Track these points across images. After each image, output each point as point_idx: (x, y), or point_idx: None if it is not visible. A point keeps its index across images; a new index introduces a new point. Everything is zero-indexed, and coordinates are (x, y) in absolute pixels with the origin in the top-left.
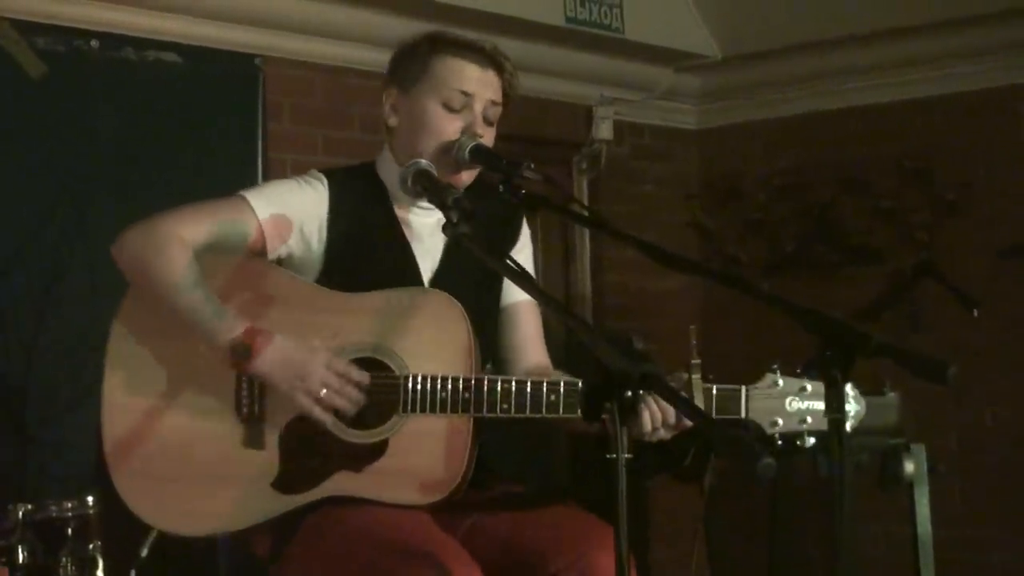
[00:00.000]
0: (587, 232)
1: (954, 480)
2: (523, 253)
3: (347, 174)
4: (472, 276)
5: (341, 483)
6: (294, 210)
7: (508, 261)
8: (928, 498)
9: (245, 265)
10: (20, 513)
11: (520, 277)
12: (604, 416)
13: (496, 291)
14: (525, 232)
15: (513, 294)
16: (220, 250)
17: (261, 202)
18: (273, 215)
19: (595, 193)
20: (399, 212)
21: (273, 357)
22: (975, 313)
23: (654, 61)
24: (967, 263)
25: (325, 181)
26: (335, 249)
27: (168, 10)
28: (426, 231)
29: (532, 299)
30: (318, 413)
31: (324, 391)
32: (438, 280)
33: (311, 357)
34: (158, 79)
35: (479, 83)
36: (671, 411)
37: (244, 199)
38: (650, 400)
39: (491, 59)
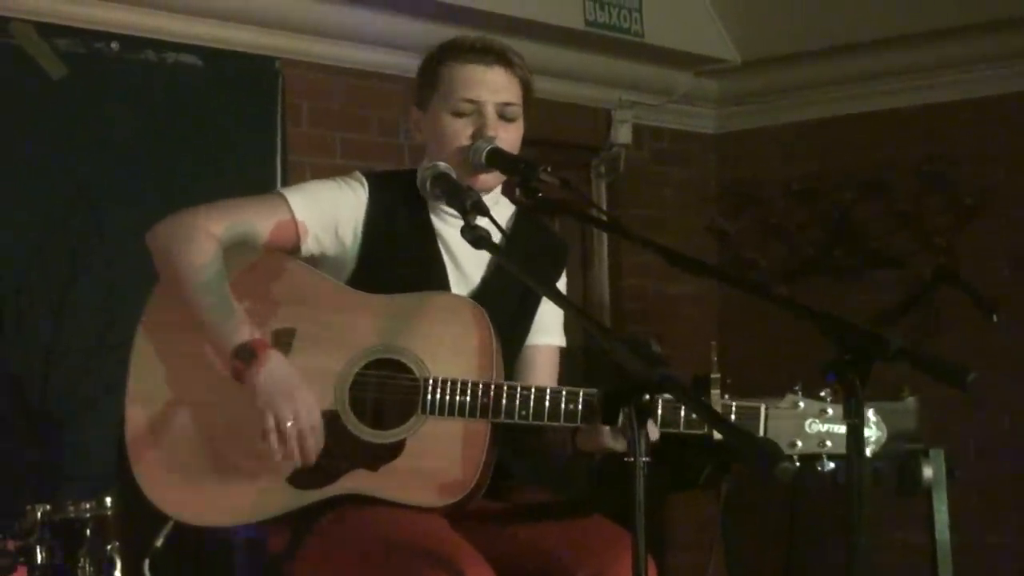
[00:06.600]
0: (605, 236)
1: (972, 486)
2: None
3: (389, 179)
4: (509, 302)
5: (356, 482)
6: (331, 210)
7: (534, 272)
8: (947, 504)
9: (271, 261)
10: (39, 514)
11: (547, 288)
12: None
13: (526, 326)
14: (563, 278)
15: (538, 336)
16: (252, 245)
17: (298, 200)
18: (309, 214)
19: (614, 197)
20: (436, 223)
21: (271, 370)
22: (995, 318)
23: (673, 65)
24: (986, 268)
25: (366, 184)
26: (368, 252)
27: (188, 13)
28: (461, 244)
29: (556, 346)
30: (271, 440)
31: (291, 423)
32: (475, 299)
33: (302, 389)
34: (178, 81)
35: (485, 85)
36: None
37: (282, 196)
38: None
39: (496, 57)
